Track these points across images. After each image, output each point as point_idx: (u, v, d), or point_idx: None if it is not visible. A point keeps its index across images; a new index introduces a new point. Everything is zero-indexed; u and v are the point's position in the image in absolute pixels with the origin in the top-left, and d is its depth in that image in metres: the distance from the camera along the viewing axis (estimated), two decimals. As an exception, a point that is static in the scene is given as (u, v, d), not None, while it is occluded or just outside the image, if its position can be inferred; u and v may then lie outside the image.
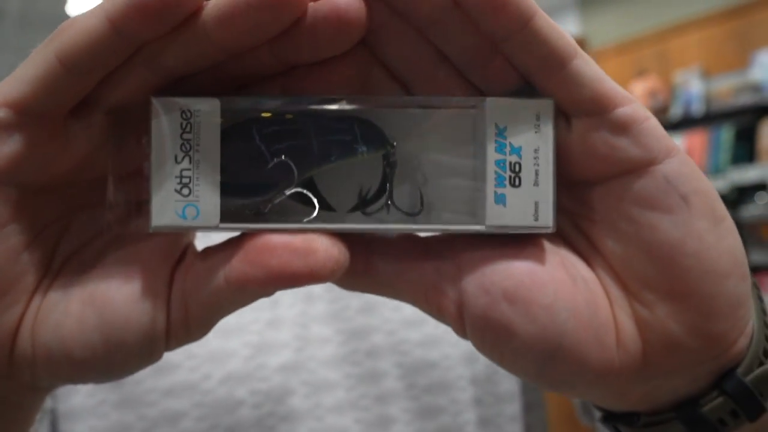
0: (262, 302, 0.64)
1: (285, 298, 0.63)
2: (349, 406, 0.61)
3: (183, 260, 0.29)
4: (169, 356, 0.60)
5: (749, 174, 1.53)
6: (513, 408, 0.65)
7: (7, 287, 0.26)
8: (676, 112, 5.77)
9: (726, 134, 5.25)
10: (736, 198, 1.78)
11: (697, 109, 5.61)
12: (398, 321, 0.64)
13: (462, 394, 0.63)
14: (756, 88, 5.17)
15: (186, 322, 0.28)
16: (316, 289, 0.64)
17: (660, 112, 5.93)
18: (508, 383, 0.65)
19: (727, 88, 5.43)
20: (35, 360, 0.27)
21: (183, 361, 0.59)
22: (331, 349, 0.62)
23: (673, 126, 5.77)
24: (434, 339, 0.64)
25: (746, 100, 5.21)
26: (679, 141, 5.57)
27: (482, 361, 0.64)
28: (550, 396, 0.77)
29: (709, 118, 5.50)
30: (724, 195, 2.05)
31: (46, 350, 0.27)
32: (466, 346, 0.63)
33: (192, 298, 0.28)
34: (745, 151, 5.14)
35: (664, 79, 5.94)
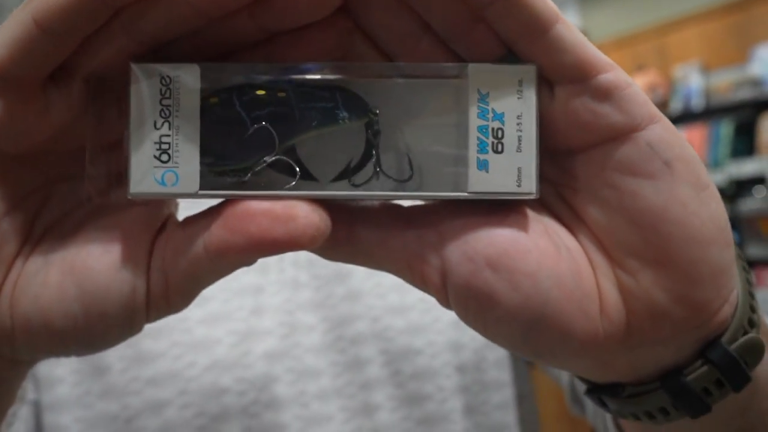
0: (247, 289, 0.63)
1: (270, 285, 0.63)
2: (334, 394, 0.60)
3: (164, 230, 0.28)
4: (153, 345, 0.58)
5: (747, 167, 1.52)
6: (501, 396, 0.65)
7: None
8: (675, 106, 5.77)
9: (725, 128, 5.26)
10: (735, 192, 1.78)
11: (697, 103, 5.60)
12: (382, 308, 0.64)
13: (447, 381, 0.63)
14: (755, 82, 5.18)
15: (166, 292, 0.28)
16: (302, 276, 0.64)
17: (660, 107, 5.64)
18: (496, 371, 0.65)
19: (726, 83, 5.43)
20: (14, 332, 0.27)
21: (167, 350, 0.59)
22: (316, 337, 0.62)
23: (672, 120, 5.55)
24: (419, 326, 0.64)
25: (746, 94, 5.21)
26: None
27: (468, 349, 0.64)
28: (542, 391, 0.77)
29: (709, 113, 5.50)
30: (723, 189, 2.05)
31: (25, 321, 0.27)
32: (451, 333, 0.63)
33: (172, 268, 0.27)
34: (744, 145, 5.13)
35: (664, 74, 5.94)
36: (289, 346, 0.61)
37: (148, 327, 0.30)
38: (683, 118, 5.66)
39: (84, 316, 0.26)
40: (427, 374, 0.62)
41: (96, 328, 0.27)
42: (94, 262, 0.27)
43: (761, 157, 4.21)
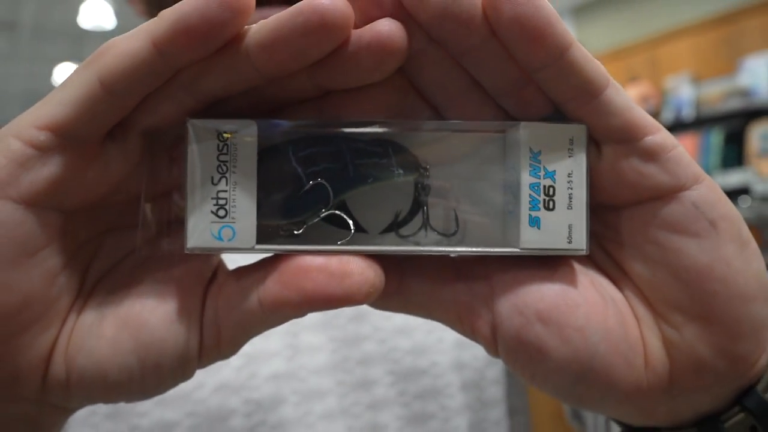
0: None
1: None
2: (340, 414, 0.60)
3: (215, 280, 0.29)
4: None
5: (732, 178, 1.52)
6: (497, 412, 0.66)
7: (42, 312, 0.26)
8: (667, 116, 5.80)
9: (715, 138, 5.30)
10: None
11: (688, 113, 5.65)
12: (389, 329, 0.64)
13: (451, 400, 0.63)
14: (744, 93, 5.22)
15: (218, 342, 0.28)
16: None
17: (652, 116, 5.91)
18: (495, 389, 0.66)
19: (716, 94, 5.48)
20: (69, 384, 0.27)
21: None
22: (323, 357, 0.62)
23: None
24: (424, 347, 0.64)
25: (735, 104, 5.26)
26: (671, 144, 5.61)
27: (470, 368, 0.64)
28: (537, 398, 0.78)
29: (699, 123, 5.55)
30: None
31: (80, 374, 0.27)
32: (454, 353, 0.63)
33: (225, 319, 0.27)
34: (734, 154, 5.19)
35: (656, 85, 5.98)
36: (294, 367, 0.61)
37: None
38: (674, 127, 5.69)
39: (140, 368, 0.27)
40: (431, 393, 0.62)
41: (151, 379, 0.27)
42: (149, 315, 0.27)
43: (746, 169, 4.23)
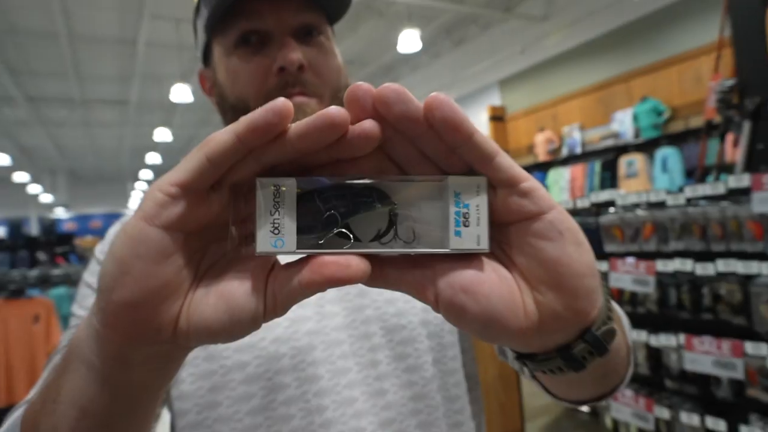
0: None
1: None
2: (351, 355, 0.62)
3: (272, 270, 0.31)
4: None
5: (603, 195, 1.57)
6: (452, 351, 0.67)
7: (173, 290, 0.29)
8: (564, 152, 5.86)
9: (597, 166, 5.33)
10: (596, 210, 1.84)
11: (577, 150, 5.70)
12: (382, 300, 0.65)
13: (421, 344, 0.64)
14: (615, 135, 5.27)
15: (275, 307, 0.30)
16: None
17: (554, 153, 6.04)
18: (450, 337, 0.67)
19: (596, 136, 5.53)
20: (188, 332, 0.29)
21: None
22: (339, 320, 0.63)
23: (562, 161, 5.88)
24: (403, 311, 0.65)
25: (609, 143, 5.31)
26: (567, 172, 5.69)
27: (433, 324, 0.66)
28: (480, 342, 0.78)
29: (585, 156, 5.60)
30: (588, 208, 2.10)
31: (195, 326, 0.29)
32: (422, 314, 0.66)
33: (278, 294, 0.29)
34: (609, 177, 5.23)
35: (557, 132, 6.02)
36: (321, 326, 0.62)
37: None
38: (569, 160, 5.74)
39: (230, 323, 0.29)
40: (408, 341, 0.64)
41: (235, 329, 0.29)
42: (235, 291, 0.29)
43: (615, 189, 4.26)
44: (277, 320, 0.56)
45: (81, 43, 6.47)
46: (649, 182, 4.91)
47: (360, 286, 0.62)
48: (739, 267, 1.59)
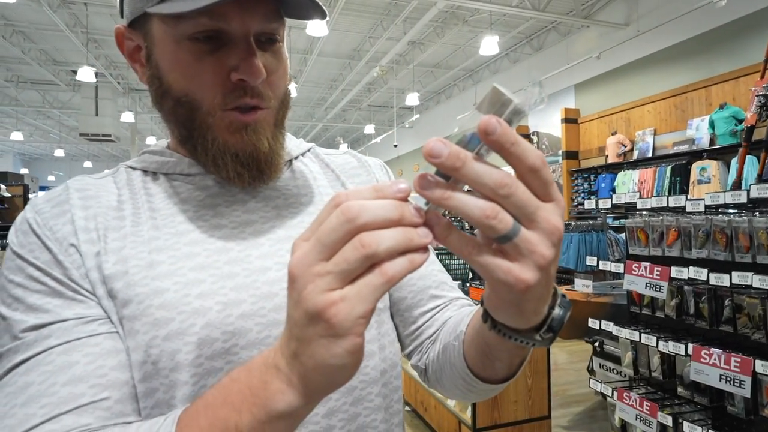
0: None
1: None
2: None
3: None
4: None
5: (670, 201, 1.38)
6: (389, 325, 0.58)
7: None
8: (635, 155, 5.36)
9: (667, 171, 4.84)
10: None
11: (648, 154, 5.19)
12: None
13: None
14: (691, 141, 4.74)
15: None
16: None
17: (625, 155, 5.56)
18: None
19: (670, 142, 5.00)
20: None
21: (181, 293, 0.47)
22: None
23: (632, 164, 5.42)
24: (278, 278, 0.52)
25: (683, 148, 4.79)
26: (636, 174, 5.21)
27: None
28: None
29: (656, 159, 5.08)
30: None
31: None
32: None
33: None
34: (680, 182, 4.73)
35: (629, 135, 5.52)
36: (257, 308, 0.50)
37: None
38: (640, 163, 5.27)
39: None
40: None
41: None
42: None
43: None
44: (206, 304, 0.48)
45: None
46: (722, 189, 4.35)
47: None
48: (756, 281, 1.35)
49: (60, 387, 0.38)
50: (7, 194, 4.39)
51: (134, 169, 0.53)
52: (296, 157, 0.59)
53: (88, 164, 18.23)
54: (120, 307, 0.43)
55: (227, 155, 0.48)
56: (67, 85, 9.44)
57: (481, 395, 0.50)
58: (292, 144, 0.60)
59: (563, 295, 0.35)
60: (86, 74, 6.56)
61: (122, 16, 0.52)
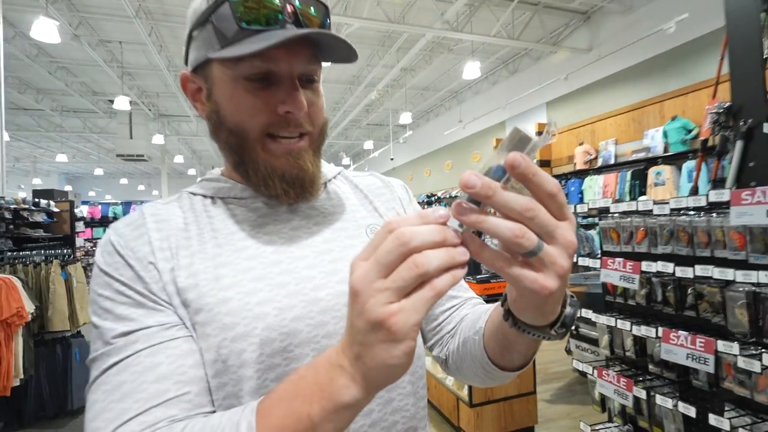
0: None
1: None
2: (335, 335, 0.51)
3: None
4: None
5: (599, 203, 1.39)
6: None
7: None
8: (599, 162, 5.37)
9: (627, 175, 4.85)
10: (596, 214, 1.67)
11: (611, 161, 5.19)
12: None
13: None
14: (647, 149, 4.75)
15: None
16: None
17: (590, 163, 5.55)
18: None
19: (629, 150, 5.01)
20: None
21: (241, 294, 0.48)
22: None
23: (597, 170, 5.41)
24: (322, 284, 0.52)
25: (641, 156, 4.80)
26: (601, 179, 5.20)
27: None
28: None
29: (618, 166, 5.09)
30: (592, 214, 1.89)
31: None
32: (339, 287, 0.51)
33: None
34: (639, 185, 4.74)
35: (594, 145, 5.53)
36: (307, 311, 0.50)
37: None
38: (604, 169, 5.27)
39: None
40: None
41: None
42: None
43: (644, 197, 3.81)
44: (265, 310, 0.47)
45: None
46: (675, 190, 4.37)
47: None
48: (716, 273, 1.36)
49: (149, 384, 0.39)
50: (56, 209, 4.34)
51: (195, 194, 0.54)
52: (330, 180, 0.60)
53: (124, 181, 18.12)
54: (193, 314, 0.44)
55: (275, 176, 0.50)
56: (104, 112, 9.43)
57: (497, 381, 0.51)
58: (326, 168, 0.61)
59: (572, 296, 0.36)
60: (121, 103, 6.54)
61: (186, 64, 0.54)
